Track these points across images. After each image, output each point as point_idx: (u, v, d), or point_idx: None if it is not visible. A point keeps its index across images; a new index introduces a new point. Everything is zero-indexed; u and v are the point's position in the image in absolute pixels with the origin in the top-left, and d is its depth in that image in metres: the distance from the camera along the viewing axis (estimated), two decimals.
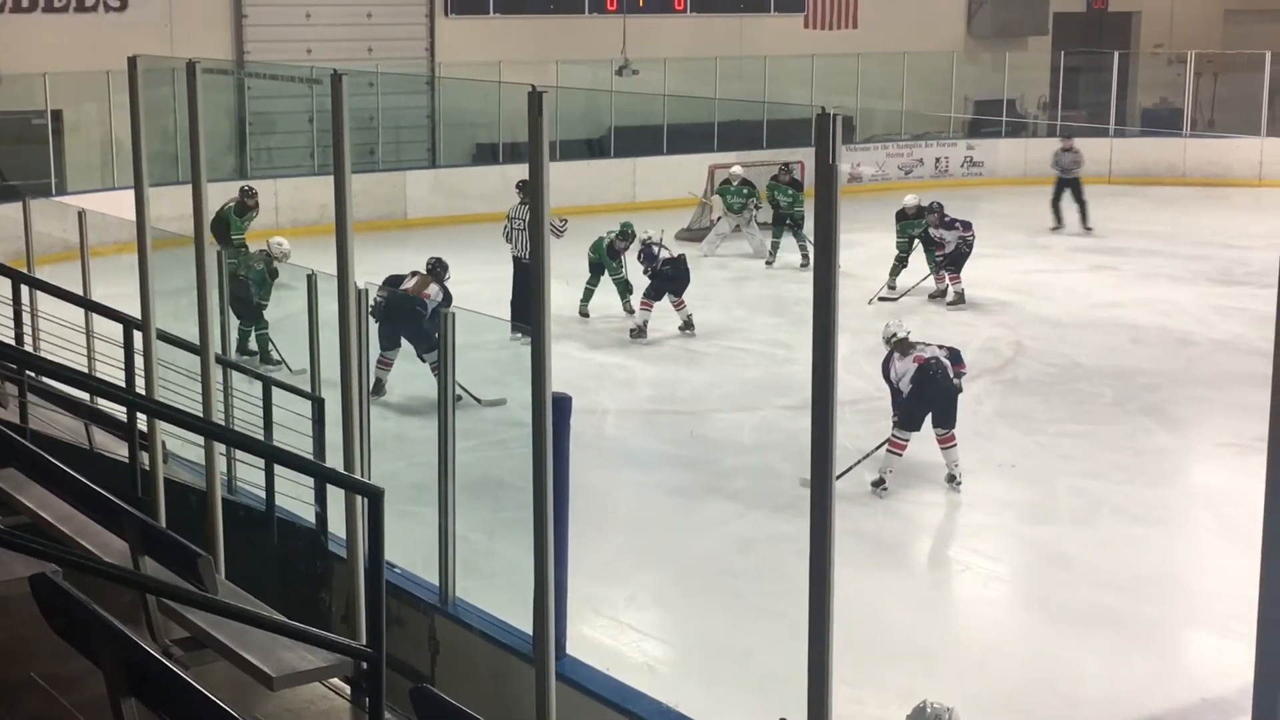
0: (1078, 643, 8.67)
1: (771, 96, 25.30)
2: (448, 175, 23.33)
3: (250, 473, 8.38)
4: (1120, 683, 8.18)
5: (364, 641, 4.82)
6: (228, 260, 12.54)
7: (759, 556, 9.86)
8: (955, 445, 11.09)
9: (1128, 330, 16.30)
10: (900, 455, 11.08)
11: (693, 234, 21.47)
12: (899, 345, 11.23)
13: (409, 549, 7.55)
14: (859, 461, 10.99)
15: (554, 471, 5.38)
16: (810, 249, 19.21)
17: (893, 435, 11.12)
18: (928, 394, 11.03)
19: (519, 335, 14.43)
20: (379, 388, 12.82)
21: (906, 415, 11.10)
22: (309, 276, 8.08)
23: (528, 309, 15.33)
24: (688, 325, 15.71)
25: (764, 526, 10.38)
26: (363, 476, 6.27)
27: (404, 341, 13.00)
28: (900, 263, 17.93)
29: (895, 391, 11.22)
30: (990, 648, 8.73)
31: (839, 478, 11.18)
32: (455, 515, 7.10)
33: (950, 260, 17.39)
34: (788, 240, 19.67)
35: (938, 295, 17.52)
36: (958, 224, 17.44)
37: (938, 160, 27.84)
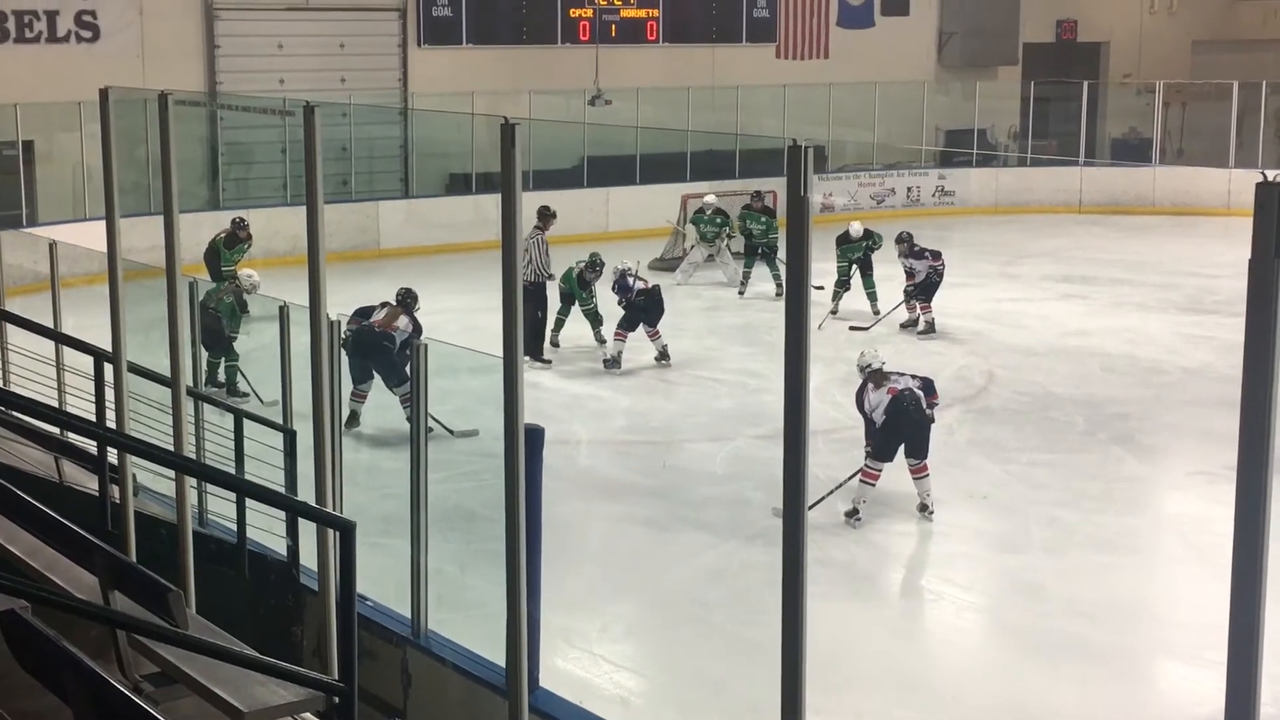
0: (1050, 671, 8.68)
1: (744, 126, 25.40)
2: (421, 205, 23.36)
3: (222, 505, 8.34)
4: (1092, 711, 8.18)
5: (335, 675, 4.79)
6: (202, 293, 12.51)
7: (732, 586, 9.85)
8: (927, 475, 11.11)
9: (1098, 359, 16.36)
10: (873, 485, 11.08)
11: (666, 263, 21.51)
12: (873, 376, 11.23)
13: (381, 581, 7.51)
14: (831, 491, 10.99)
15: (526, 503, 5.37)
16: (783, 278, 19.23)
17: (866, 465, 11.13)
18: (901, 425, 11.05)
19: (536, 364, 15.09)
20: (353, 420, 12.82)
21: (880, 446, 11.11)
22: (281, 308, 8.05)
23: (537, 338, 15.30)
24: (663, 356, 15.71)
25: (736, 556, 10.37)
26: (334, 509, 6.24)
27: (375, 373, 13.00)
28: (842, 286, 18.01)
29: (869, 422, 11.22)
30: (963, 677, 8.72)
31: (811, 508, 11.15)
32: (428, 547, 7.07)
33: (921, 290, 17.43)
34: (760, 269, 19.69)
35: (909, 324, 17.57)
36: (927, 253, 17.49)
37: (909, 190, 27.97)
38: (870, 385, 11.24)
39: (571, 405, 14.49)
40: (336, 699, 4.41)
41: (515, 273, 4.35)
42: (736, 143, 24.87)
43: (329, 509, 5.85)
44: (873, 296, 18.12)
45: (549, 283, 16.26)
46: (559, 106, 24.82)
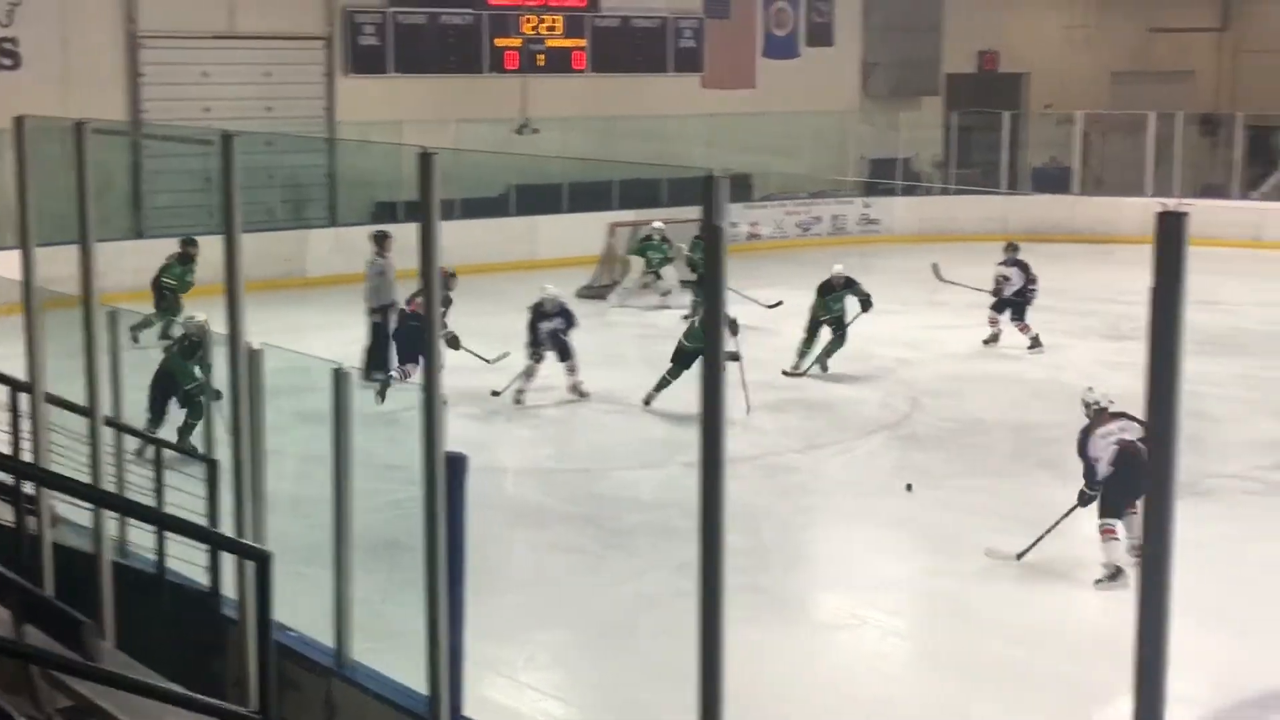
0: (975, 696, 8.74)
1: (671, 155, 25.49)
2: (347, 234, 23.20)
3: (144, 536, 8.25)
4: None
5: (254, 707, 4.76)
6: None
7: (660, 614, 9.84)
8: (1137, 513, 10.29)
9: (1023, 385, 16.53)
10: (1118, 541, 10.34)
11: (594, 291, 21.54)
12: (1098, 416, 10.58)
13: (307, 611, 7.45)
14: (1041, 537, 10.62)
15: (449, 531, 5.36)
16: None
17: (1101, 523, 10.36)
18: (1128, 478, 10.16)
19: (373, 384, 14.52)
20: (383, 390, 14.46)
21: (1111, 502, 10.31)
22: (194, 336, 8.00)
23: (382, 361, 15.24)
24: (575, 390, 15.52)
25: (665, 584, 10.36)
26: (255, 539, 6.20)
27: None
28: (814, 335, 17.08)
29: (1089, 469, 10.48)
30: (886, 702, 8.76)
31: (1020, 556, 10.64)
32: (352, 577, 7.02)
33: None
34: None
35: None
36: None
37: (835, 218, 28.18)
38: (1097, 429, 10.51)
39: (500, 434, 14.46)
40: None
41: (434, 301, 4.35)
42: (661, 171, 24.95)
43: (249, 539, 5.81)
44: (826, 352, 16.91)
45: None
46: (486, 136, 24.81)
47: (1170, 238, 2.67)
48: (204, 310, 12.68)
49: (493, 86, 25.57)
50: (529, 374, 15.31)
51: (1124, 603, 9.80)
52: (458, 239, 21.13)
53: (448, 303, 14.72)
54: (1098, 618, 10.09)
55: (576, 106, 25.81)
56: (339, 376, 6.74)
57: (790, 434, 14.39)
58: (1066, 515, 10.77)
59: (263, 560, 4.45)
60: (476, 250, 18.87)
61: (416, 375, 13.94)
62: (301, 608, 7.47)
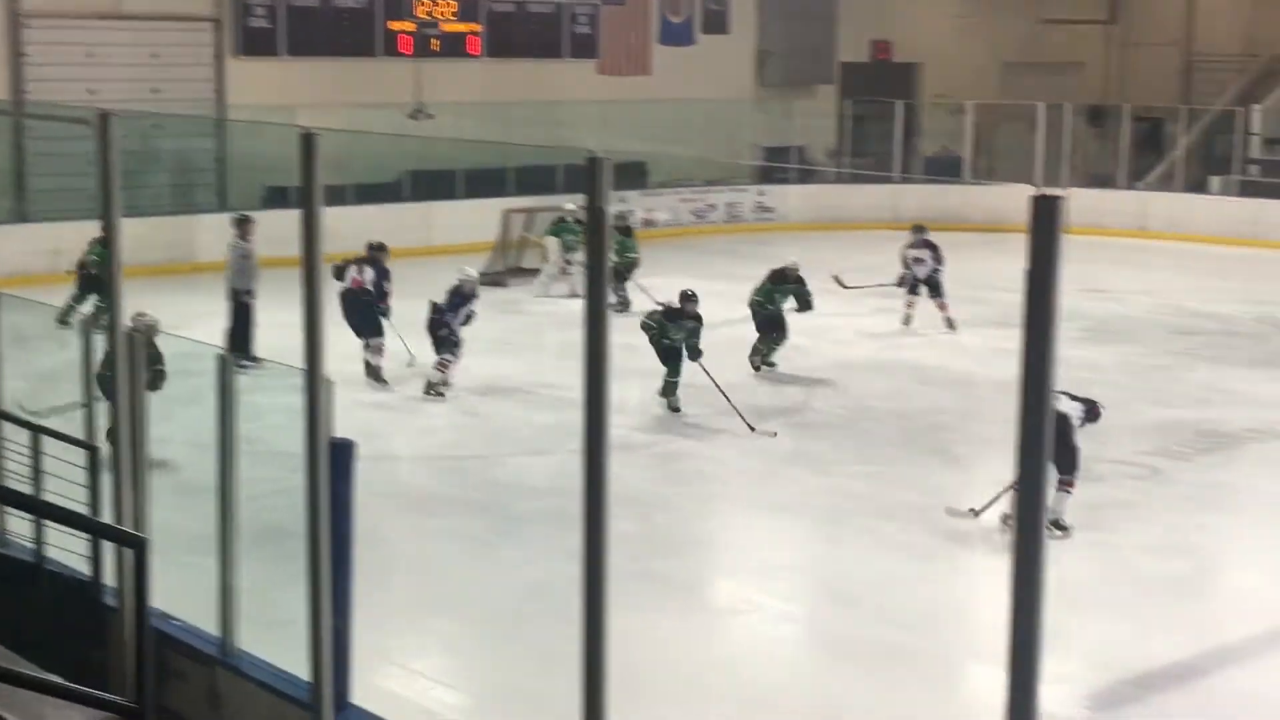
0: (863, 678, 8.82)
1: (566, 142, 25.42)
2: None
3: (27, 525, 8.08)
4: (902, 716, 8.33)
5: (131, 697, 4.67)
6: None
7: (552, 601, 9.81)
8: (1067, 493, 10.98)
9: (913, 372, 16.71)
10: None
11: (490, 278, 21.41)
12: None
13: (194, 601, 7.35)
14: (997, 497, 11.04)
15: (335, 518, 5.30)
16: (628, 295, 19.56)
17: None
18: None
19: (245, 366, 14.16)
20: (370, 371, 15.33)
21: None
22: (82, 322, 7.86)
23: (244, 343, 14.98)
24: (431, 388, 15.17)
25: (557, 571, 10.30)
26: (137, 527, 6.09)
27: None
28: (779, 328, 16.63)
29: None
30: (777, 686, 8.81)
31: (977, 514, 11.18)
32: (237, 565, 6.93)
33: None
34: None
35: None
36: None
37: (730, 205, 28.30)
38: None
39: (392, 421, 14.36)
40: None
41: (317, 286, 4.30)
42: (557, 156, 24.90)
43: (129, 527, 5.71)
44: (769, 349, 16.51)
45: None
46: (380, 121, 24.60)
47: (1045, 221, 2.69)
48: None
49: (387, 71, 25.35)
50: (455, 360, 15.17)
51: (1003, 587, 9.98)
52: (352, 225, 20.98)
53: (387, 274, 15.62)
54: (983, 601, 10.22)
55: (472, 92, 25.67)
56: (223, 362, 6.65)
57: (684, 420, 14.42)
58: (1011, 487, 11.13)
59: (139, 547, 4.37)
60: (370, 236, 18.63)
61: (387, 344, 15.44)
62: (189, 597, 7.38)
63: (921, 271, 19.03)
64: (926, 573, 10.56)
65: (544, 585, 10.13)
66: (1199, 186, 29.65)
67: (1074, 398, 11.33)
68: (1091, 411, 11.36)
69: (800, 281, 16.77)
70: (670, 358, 14.49)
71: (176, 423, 12.68)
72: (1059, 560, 10.65)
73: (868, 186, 29.15)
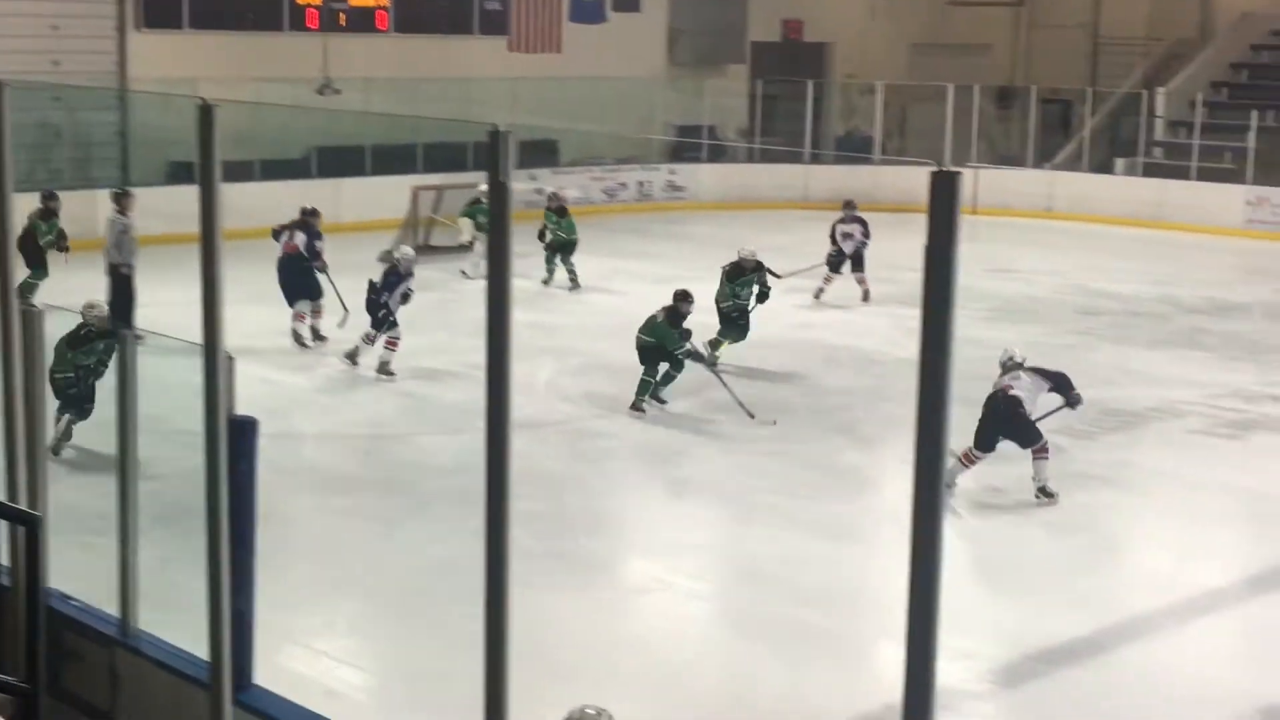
0: (771, 657, 8.85)
1: (475, 119, 25.27)
2: (140, 194, 22.53)
3: None
4: (811, 694, 8.37)
5: (24, 676, 4.59)
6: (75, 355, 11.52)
7: (459, 579, 9.69)
8: (1044, 460, 11.51)
9: (821, 350, 16.79)
10: (965, 469, 11.54)
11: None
12: (1006, 370, 11.77)
13: (94, 580, 7.23)
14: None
15: (237, 496, 5.22)
16: (576, 273, 19.81)
17: (966, 449, 11.53)
18: (991, 421, 11.46)
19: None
20: (298, 339, 15.97)
21: (977, 436, 11.53)
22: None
23: (125, 315, 14.70)
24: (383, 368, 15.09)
25: (464, 549, 10.20)
26: (32, 506, 5.97)
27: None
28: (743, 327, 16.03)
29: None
30: (686, 665, 8.83)
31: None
32: (137, 544, 6.82)
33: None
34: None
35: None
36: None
37: (641, 184, 28.30)
38: (994, 381, 11.72)
39: (298, 399, 14.22)
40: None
41: (215, 262, 4.22)
42: (468, 133, 24.73)
43: (24, 505, 5.59)
44: (716, 344, 15.68)
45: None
46: (286, 95, 24.29)
47: (943, 197, 2.69)
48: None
49: (293, 46, 25.06)
50: (393, 339, 15.00)
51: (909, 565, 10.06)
52: (258, 201, 20.73)
53: (319, 236, 16.26)
54: (892, 580, 10.29)
55: (380, 68, 25.44)
56: (122, 339, 6.53)
57: (594, 400, 14.41)
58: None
59: (32, 525, 4.28)
60: (277, 213, 18.40)
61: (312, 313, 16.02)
62: (89, 578, 7.26)
63: (849, 247, 19.34)
64: (835, 551, 10.62)
65: (451, 564, 10.06)
66: (1105, 168, 30.04)
67: (1044, 373, 11.83)
68: (1063, 384, 11.78)
69: (759, 268, 16.11)
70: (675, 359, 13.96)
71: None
72: (964, 539, 10.81)
73: (778, 165, 29.26)
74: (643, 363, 13.90)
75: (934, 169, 2.72)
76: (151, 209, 17.63)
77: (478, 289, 19.28)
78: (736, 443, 13.14)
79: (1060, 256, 24.35)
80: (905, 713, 2.90)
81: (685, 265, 18.10)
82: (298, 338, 16.04)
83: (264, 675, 6.51)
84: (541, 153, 27.44)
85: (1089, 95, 31.08)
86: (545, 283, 19.99)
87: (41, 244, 16.82)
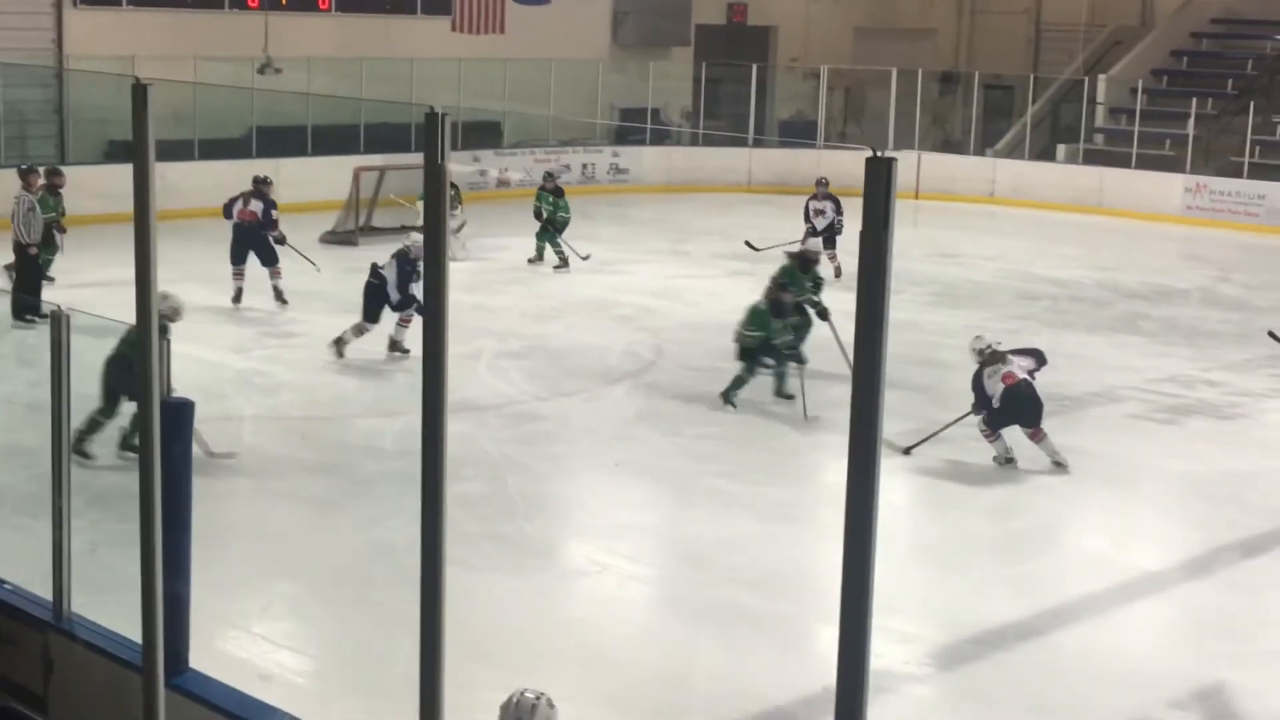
0: (710, 639, 8.88)
1: (418, 99, 25.16)
2: (78, 173, 22.25)
3: None
4: (748, 676, 8.40)
5: None
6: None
7: (399, 563, 9.65)
8: (1046, 437, 11.94)
9: None
10: (1001, 438, 11.95)
11: (338, 237, 21.20)
12: (990, 359, 11.85)
13: (27, 564, 7.16)
14: (929, 437, 11.97)
15: (172, 479, 5.17)
16: (568, 253, 19.76)
17: (983, 429, 11.97)
18: (1016, 409, 11.77)
19: (30, 321, 13.49)
20: (239, 297, 16.59)
21: (995, 421, 11.87)
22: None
23: (34, 290, 14.41)
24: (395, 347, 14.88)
25: (404, 533, 10.12)
26: None
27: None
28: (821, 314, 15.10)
29: (985, 400, 11.85)
30: (624, 647, 8.84)
31: (909, 451, 12.09)
32: (70, 528, 6.75)
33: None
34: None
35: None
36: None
37: (585, 166, 28.24)
38: (987, 371, 11.77)
39: (237, 380, 14.13)
40: None
41: (149, 242, 4.17)
42: (410, 114, 24.61)
43: None
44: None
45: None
46: (227, 74, 24.09)
47: (878, 182, 2.69)
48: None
49: (234, 23, 24.81)
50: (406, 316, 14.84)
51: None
52: (198, 180, 20.56)
53: (274, 204, 16.99)
54: (832, 563, 10.33)
55: (322, 47, 25.26)
56: (55, 320, 6.45)
57: (535, 382, 14.38)
58: (956, 421, 12.10)
59: None
60: (217, 193, 18.25)
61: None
62: (23, 561, 7.19)
63: (821, 223, 19.58)
64: (775, 534, 10.65)
65: (388, 547, 10.02)
66: (1046, 154, 30.25)
67: (1022, 352, 12.19)
68: (1040, 359, 12.13)
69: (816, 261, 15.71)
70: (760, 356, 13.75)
71: (9, 383, 12.38)
72: (904, 522, 10.87)
73: (722, 149, 29.28)
74: (742, 359, 13.70)
75: (869, 154, 2.72)
76: (88, 187, 17.45)
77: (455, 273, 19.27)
78: (677, 424, 13.14)
79: (1001, 242, 24.51)
80: (839, 695, 2.90)
81: (626, 248, 18.08)
82: (278, 294, 16.77)
83: (201, 659, 6.48)
84: (485, 134, 27.33)
85: (1031, 81, 31.26)
86: (532, 261, 20.01)
87: (46, 220, 16.53)
